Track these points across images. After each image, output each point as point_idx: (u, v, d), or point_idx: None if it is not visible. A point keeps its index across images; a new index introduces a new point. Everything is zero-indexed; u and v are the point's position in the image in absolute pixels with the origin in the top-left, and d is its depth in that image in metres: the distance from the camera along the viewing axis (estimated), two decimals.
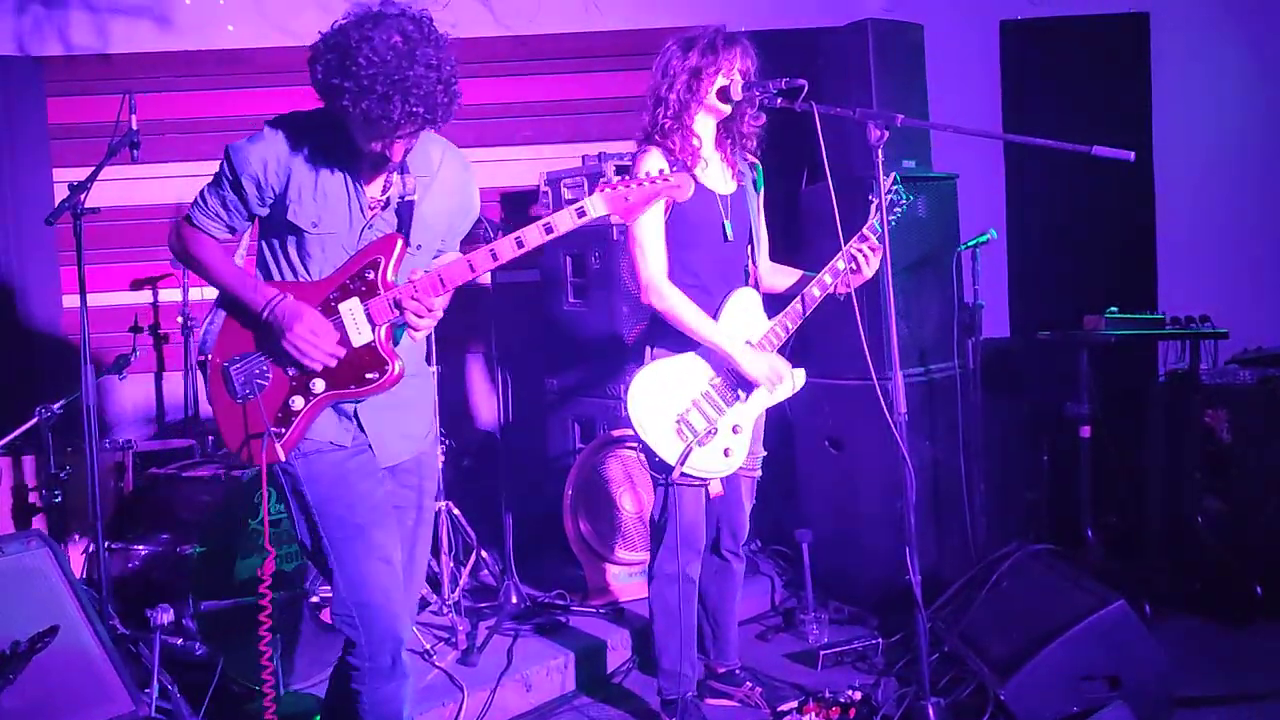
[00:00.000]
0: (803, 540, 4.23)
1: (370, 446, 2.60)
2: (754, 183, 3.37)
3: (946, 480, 4.36)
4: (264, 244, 2.61)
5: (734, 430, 3.20)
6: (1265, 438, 4.24)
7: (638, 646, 3.95)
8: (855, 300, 3.23)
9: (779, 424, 4.45)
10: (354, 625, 2.54)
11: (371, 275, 2.50)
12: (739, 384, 3.21)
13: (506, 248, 2.49)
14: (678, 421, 3.12)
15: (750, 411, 3.25)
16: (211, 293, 4.53)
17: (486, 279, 4.37)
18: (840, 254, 3.22)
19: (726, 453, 3.18)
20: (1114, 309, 4.27)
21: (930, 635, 3.67)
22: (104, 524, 3.48)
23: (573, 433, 4.86)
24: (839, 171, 4.28)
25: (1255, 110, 5.71)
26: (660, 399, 3.13)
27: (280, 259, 2.58)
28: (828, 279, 3.24)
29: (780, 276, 3.43)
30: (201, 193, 2.58)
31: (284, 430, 2.51)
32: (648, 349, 3.27)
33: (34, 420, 3.45)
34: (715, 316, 3.20)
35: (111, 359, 4.08)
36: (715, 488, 3.23)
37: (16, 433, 3.52)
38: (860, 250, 3.22)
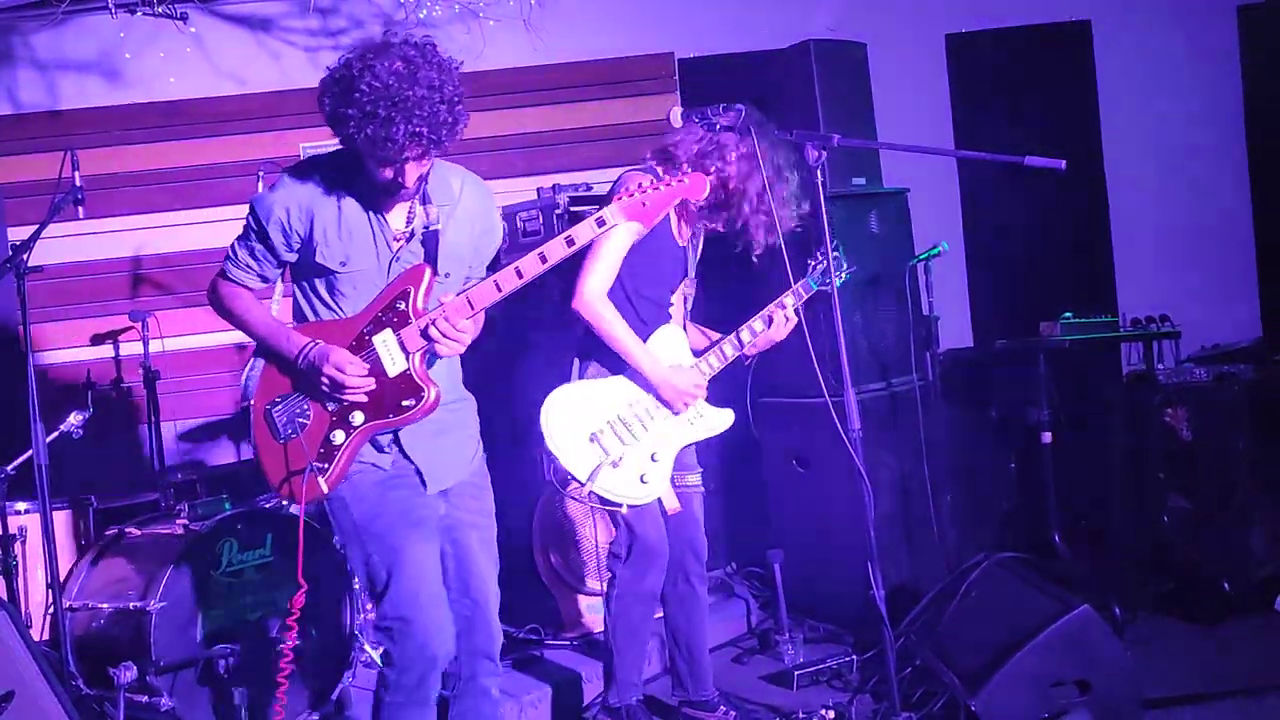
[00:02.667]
0: (774, 561, 4.21)
1: (419, 473, 2.68)
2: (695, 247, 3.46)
3: (915, 493, 4.36)
4: (297, 288, 2.72)
5: (652, 459, 3.20)
6: (1224, 434, 4.25)
7: None
8: (803, 322, 3.25)
9: (745, 444, 4.45)
10: (391, 639, 2.60)
11: (403, 306, 2.59)
12: (655, 412, 3.22)
13: (531, 263, 2.57)
14: (590, 439, 3.12)
15: (668, 442, 3.24)
16: (173, 345, 4.67)
17: None
18: (760, 313, 3.30)
19: (643, 479, 3.17)
20: (1068, 314, 4.29)
21: (903, 649, 3.69)
22: (64, 582, 3.45)
23: (541, 464, 4.84)
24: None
25: (1198, 110, 5.77)
26: (575, 415, 3.14)
27: (314, 300, 2.68)
28: (745, 336, 3.31)
29: (694, 334, 3.48)
30: (232, 246, 2.70)
31: (327, 465, 2.58)
32: (576, 361, 3.30)
33: None
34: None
35: (71, 415, 4.02)
36: (671, 503, 3.25)
37: None
38: (774, 314, 3.31)
